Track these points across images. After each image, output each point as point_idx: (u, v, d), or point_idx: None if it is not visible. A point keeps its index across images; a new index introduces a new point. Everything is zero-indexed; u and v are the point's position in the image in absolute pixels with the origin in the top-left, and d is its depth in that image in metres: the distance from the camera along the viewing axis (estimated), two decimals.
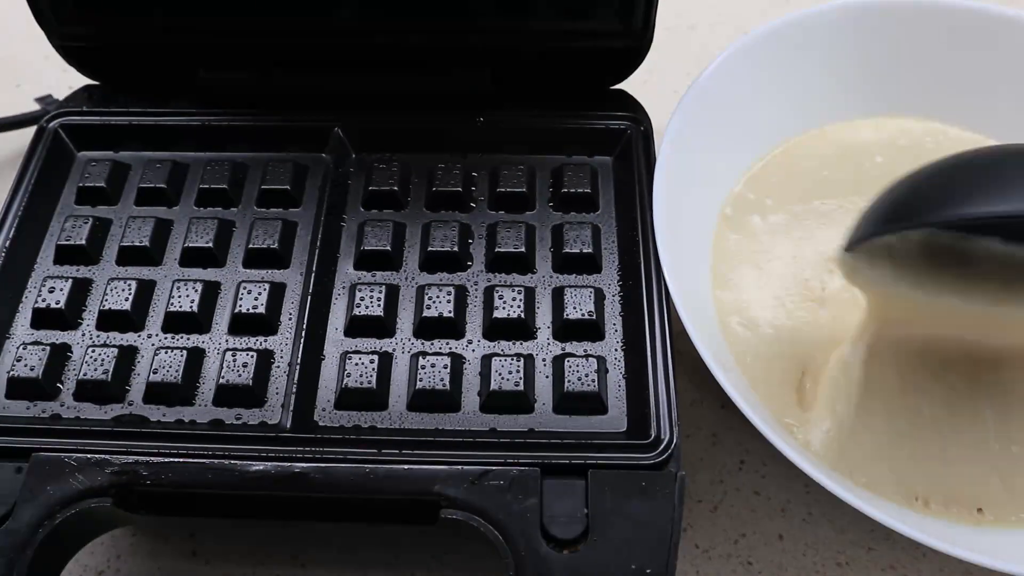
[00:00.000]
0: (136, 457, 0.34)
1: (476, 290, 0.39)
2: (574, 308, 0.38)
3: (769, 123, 0.46)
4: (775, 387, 0.39)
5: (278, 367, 0.37)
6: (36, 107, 0.53)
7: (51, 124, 0.44)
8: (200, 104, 0.44)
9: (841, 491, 0.33)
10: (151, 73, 0.45)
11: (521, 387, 0.36)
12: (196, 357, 0.38)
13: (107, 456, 0.34)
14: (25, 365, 0.37)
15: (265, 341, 0.38)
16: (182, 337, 0.38)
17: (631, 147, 0.42)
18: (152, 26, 0.43)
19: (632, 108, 0.43)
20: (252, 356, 0.37)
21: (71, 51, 0.44)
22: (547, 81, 0.44)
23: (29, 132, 0.52)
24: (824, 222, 0.44)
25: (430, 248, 0.40)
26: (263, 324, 0.38)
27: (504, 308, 0.38)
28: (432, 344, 0.38)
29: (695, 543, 0.40)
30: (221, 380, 0.37)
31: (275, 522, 0.38)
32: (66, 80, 0.52)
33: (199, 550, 0.40)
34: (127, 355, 0.38)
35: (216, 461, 0.34)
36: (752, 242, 0.43)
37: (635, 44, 0.42)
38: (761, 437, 0.35)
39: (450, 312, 0.38)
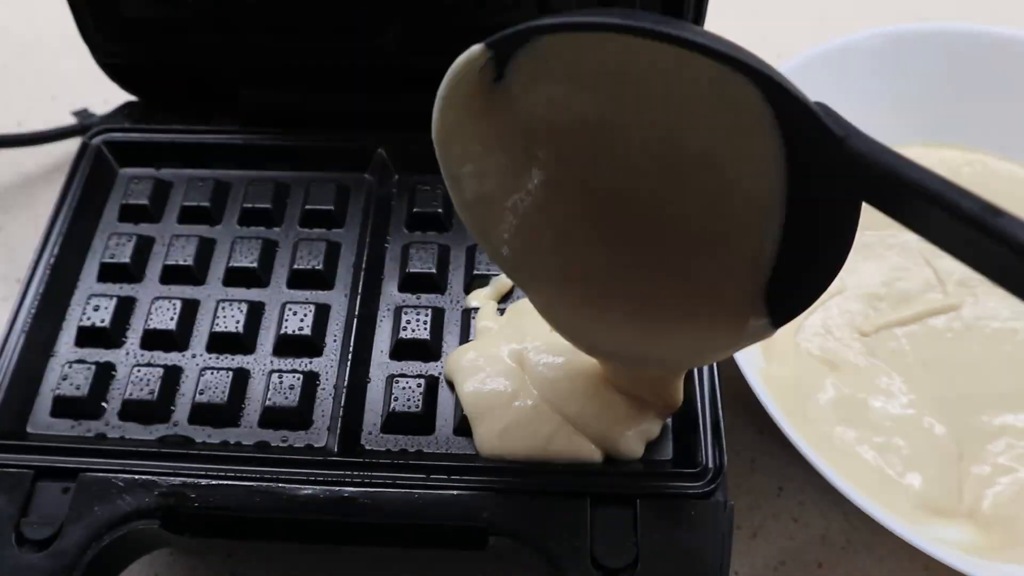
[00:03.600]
0: (183, 479, 0.34)
1: None
2: None
3: None
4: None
5: (323, 389, 0.37)
6: (72, 120, 0.53)
7: (94, 140, 0.44)
8: (242, 122, 0.44)
9: (883, 518, 0.33)
10: (193, 91, 0.45)
11: None
12: (242, 378, 0.37)
13: (154, 477, 0.34)
14: (71, 384, 0.37)
15: (310, 363, 0.38)
16: (227, 357, 0.38)
17: None
18: (195, 46, 0.44)
19: None
20: (298, 378, 0.37)
21: (115, 68, 0.45)
22: None
23: (65, 144, 0.53)
24: (866, 255, 0.44)
25: (475, 271, 0.40)
26: (308, 346, 0.38)
27: None
28: None
29: (735, 570, 0.40)
30: (267, 402, 0.37)
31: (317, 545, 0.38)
32: (101, 93, 0.52)
33: (237, 569, 0.39)
34: (172, 375, 0.38)
35: (264, 484, 0.34)
36: None
37: None
38: (799, 463, 0.35)
39: None
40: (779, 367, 0.40)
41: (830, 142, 0.22)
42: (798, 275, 0.27)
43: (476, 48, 0.26)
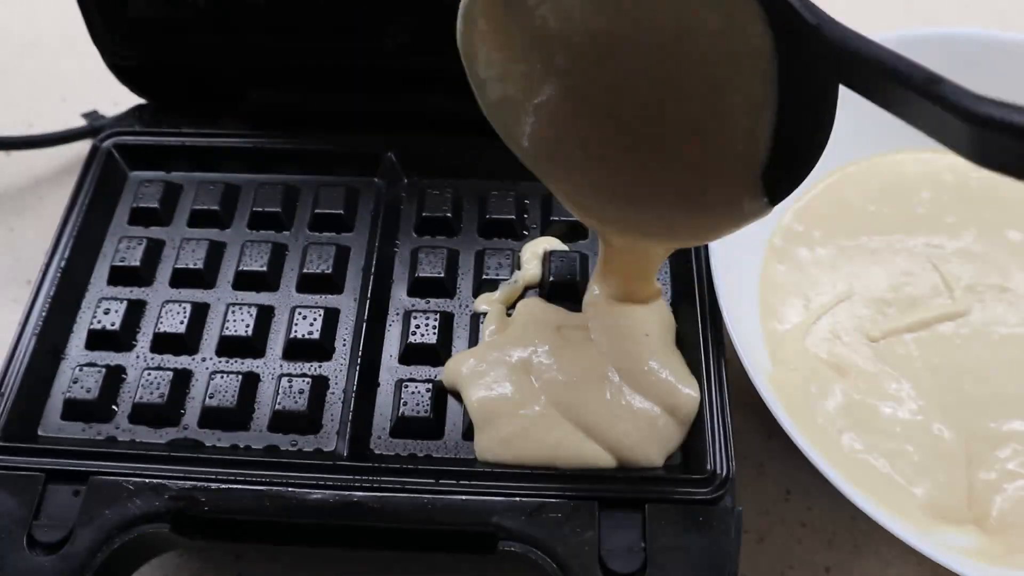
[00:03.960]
0: (194, 483, 0.34)
1: None
2: None
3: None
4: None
5: (333, 393, 0.37)
6: (82, 122, 0.53)
7: (105, 143, 0.44)
8: (252, 125, 0.44)
9: (891, 524, 0.33)
10: (203, 94, 0.45)
11: None
12: (251, 382, 0.38)
13: (164, 481, 0.34)
14: (81, 387, 0.37)
15: (320, 367, 0.38)
16: (236, 361, 0.38)
17: None
18: (206, 48, 0.44)
19: None
20: (307, 382, 0.37)
21: (125, 71, 0.45)
22: None
23: (75, 146, 0.53)
24: (874, 260, 0.44)
25: (484, 276, 0.40)
26: (318, 350, 0.38)
27: None
28: None
29: (742, 574, 0.40)
30: (277, 406, 0.37)
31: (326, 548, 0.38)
32: (110, 95, 0.52)
33: (244, 570, 0.40)
34: (182, 379, 0.38)
35: (274, 488, 0.34)
36: (800, 274, 0.43)
37: None
38: (807, 468, 0.35)
39: None
40: (787, 372, 0.40)
41: (808, 30, 0.25)
42: (790, 156, 0.29)
43: None
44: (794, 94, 0.28)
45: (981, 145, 0.21)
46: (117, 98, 0.50)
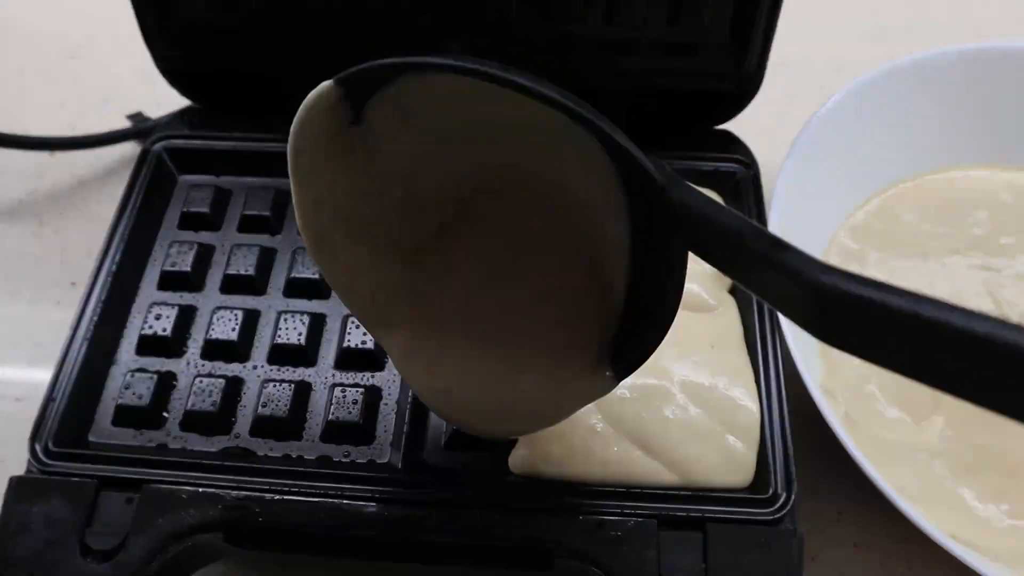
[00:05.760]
0: (247, 492, 0.34)
1: None
2: None
3: (873, 170, 0.45)
4: None
5: (386, 404, 0.37)
6: (125, 124, 0.53)
7: (155, 147, 0.43)
8: None
9: (954, 547, 0.32)
10: (254, 98, 0.44)
11: None
12: (303, 391, 0.37)
13: (218, 490, 0.34)
14: (133, 393, 0.37)
15: (372, 377, 0.38)
16: (288, 370, 0.38)
17: (741, 190, 0.41)
18: (258, 52, 0.43)
19: (740, 150, 0.43)
20: (360, 392, 0.37)
21: (175, 73, 0.44)
22: (650, 120, 0.43)
23: (119, 148, 0.53)
24: (927, 284, 0.43)
25: None
26: (370, 360, 0.38)
27: None
28: None
29: None
30: (330, 416, 0.36)
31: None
32: (154, 97, 0.52)
33: None
34: (233, 386, 0.37)
35: (329, 500, 0.33)
36: None
37: (747, 86, 0.42)
38: (860, 487, 0.34)
39: None
40: (842, 390, 0.39)
41: (655, 191, 0.23)
42: (639, 327, 0.28)
43: (325, 85, 0.26)
44: (649, 257, 0.27)
45: (822, 317, 0.20)
46: (161, 100, 0.50)
